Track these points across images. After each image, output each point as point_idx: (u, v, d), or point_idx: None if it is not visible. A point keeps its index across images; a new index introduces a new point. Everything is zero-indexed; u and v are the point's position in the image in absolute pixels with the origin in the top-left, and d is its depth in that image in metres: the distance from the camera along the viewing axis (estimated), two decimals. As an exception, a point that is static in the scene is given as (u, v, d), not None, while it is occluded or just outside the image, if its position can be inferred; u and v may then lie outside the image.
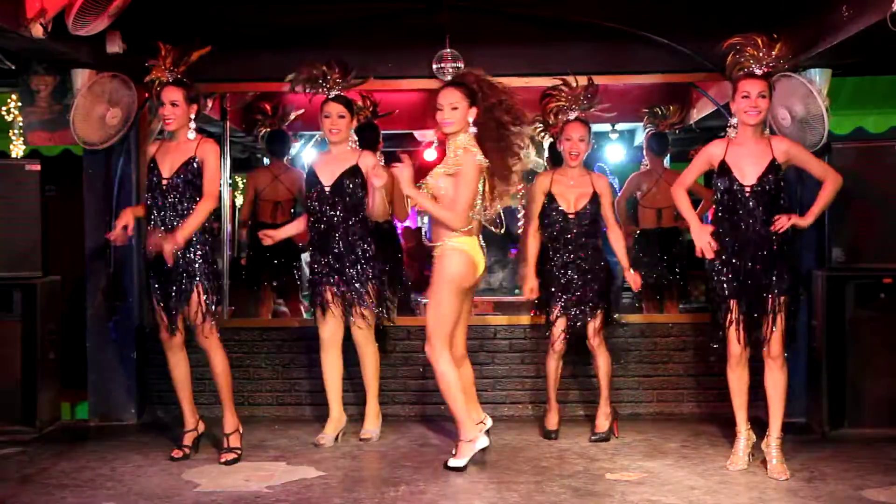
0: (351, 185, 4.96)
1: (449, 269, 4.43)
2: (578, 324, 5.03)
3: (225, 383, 4.72)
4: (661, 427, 5.38)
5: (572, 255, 5.05)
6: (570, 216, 5.04)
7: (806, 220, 4.44)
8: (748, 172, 4.38)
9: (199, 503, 4.09)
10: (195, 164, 4.61)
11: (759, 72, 4.39)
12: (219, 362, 4.69)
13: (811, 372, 5.40)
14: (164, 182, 4.61)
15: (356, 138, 5.17)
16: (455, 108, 4.39)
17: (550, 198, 5.08)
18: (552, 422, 5.22)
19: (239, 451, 4.72)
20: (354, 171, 4.98)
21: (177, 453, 4.73)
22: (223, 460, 4.65)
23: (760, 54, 4.40)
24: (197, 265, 4.60)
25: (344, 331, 5.06)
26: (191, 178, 4.61)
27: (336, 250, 4.97)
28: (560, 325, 5.04)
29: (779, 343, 4.39)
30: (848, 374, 5.19)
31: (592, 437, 5.10)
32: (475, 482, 4.34)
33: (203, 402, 5.19)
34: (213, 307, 4.64)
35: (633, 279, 5.12)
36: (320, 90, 5.05)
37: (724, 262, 4.44)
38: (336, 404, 5.10)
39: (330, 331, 5.02)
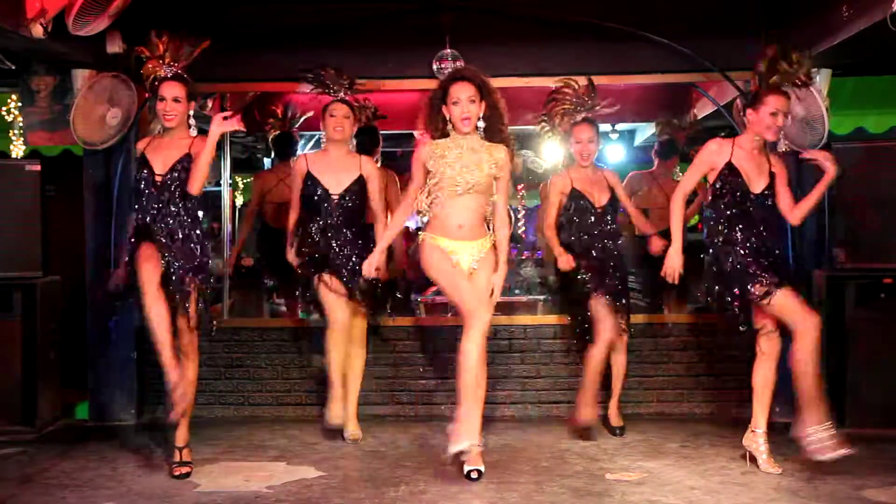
0: (356, 194, 5.01)
1: (495, 262, 4.48)
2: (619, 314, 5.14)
3: (193, 393, 4.59)
4: (661, 427, 5.38)
5: (606, 248, 5.14)
6: (598, 210, 5.15)
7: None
8: (756, 181, 4.41)
9: (199, 503, 4.10)
10: (188, 162, 4.44)
11: (787, 90, 4.42)
12: (193, 371, 4.55)
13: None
14: (158, 179, 4.44)
15: (355, 142, 5.21)
16: (473, 102, 4.36)
17: (577, 195, 5.16)
18: (593, 414, 5.16)
19: (192, 466, 4.54)
20: (359, 180, 5.03)
21: (179, 471, 4.51)
22: (177, 473, 4.46)
23: (793, 74, 4.42)
24: (192, 267, 4.45)
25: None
26: (185, 176, 4.44)
27: (336, 255, 4.98)
28: (610, 313, 5.07)
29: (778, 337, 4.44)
30: (848, 374, 5.19)
31: (618, 432, 5.21)
32: (475, 482, 4.33)
33: (202, 402, 5.19)
34: (205, 310, 4.54)
35: (656, 243, 5.18)
36: (328, 92, 5.10)
37: (744, 249, 4.39)
38: (340, 383, 5.03)
39: (344, 314, 4.96)
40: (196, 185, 4.41)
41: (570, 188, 5.18)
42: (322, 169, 5.03)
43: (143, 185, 4.47)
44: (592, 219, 5.16)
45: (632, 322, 5.68)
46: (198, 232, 4.52)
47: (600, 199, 5.18)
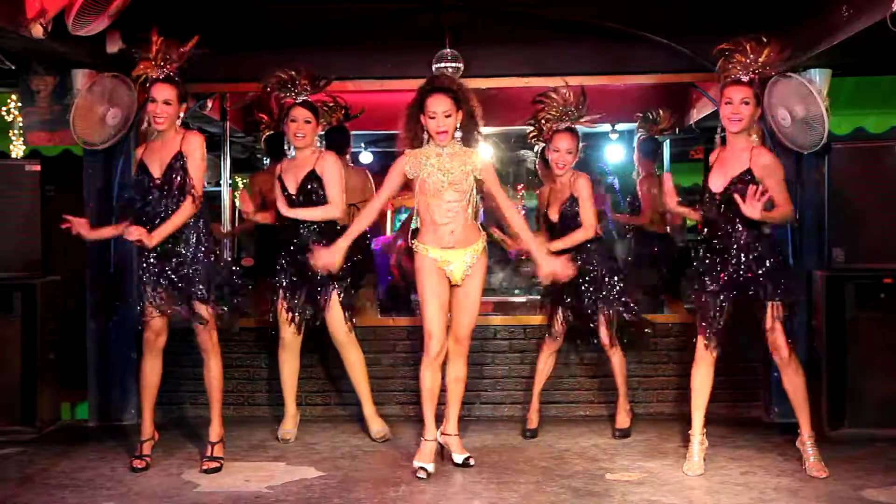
0: (313, 190, 4.98)
1: (486, 266, 4.58)
2: (580, 324, 5.08)
3: (219, 389, 4.66)
4: (661, 427, 5.38)
5: (581, 260, 5.04)
6: (554, 223, 5.10)
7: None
8: (718, 181, 4.40)
9: (199, 503, 4.10)
10: (182, 161, 4.46)
11: (744, 78, 4.37)
12: (217, 366, 4.62)
13: (811, 372, 5.37)
14: (156, 182, 4.46)
15: (320, 143, 5.20)
16: (449, 116, 4.38)
17: (547, 205, 5.20)
18: (532, 420, 5.28)
19: (222, 462, 4.61)
20: (313, 175, 4.98)
21: (139, 463, 4.58)
22: (206, 468, 4.54)
23: (748, 60, 4.37)
24: (204, 265, 4.48)
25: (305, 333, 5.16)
26: (179, 176, 4.45)
27: (303, 254, 4.98)
28: (557, 325, 5.12)
29: (786, 346, 4.38)
30: (848, 374, 5.18)
31: (617, 434, 5.17)
32: (475, 482, 4.34)
33: (202, 402, 5.18)
34: (224, 308, 4.59)
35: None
36: (289, 94, 5.06)
37: (705, 269, 4.44)
38: (292, 401, 5.23)
39: (291, 332, 5.10)
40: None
41: (547, 197, 5.20)
42: (286, 169, 5.05)
43: (142, 191, 4.50)
44: (550, 233, 5.11)
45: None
46: (203, 231, 4.53)
47: (559, 210, 5.07)
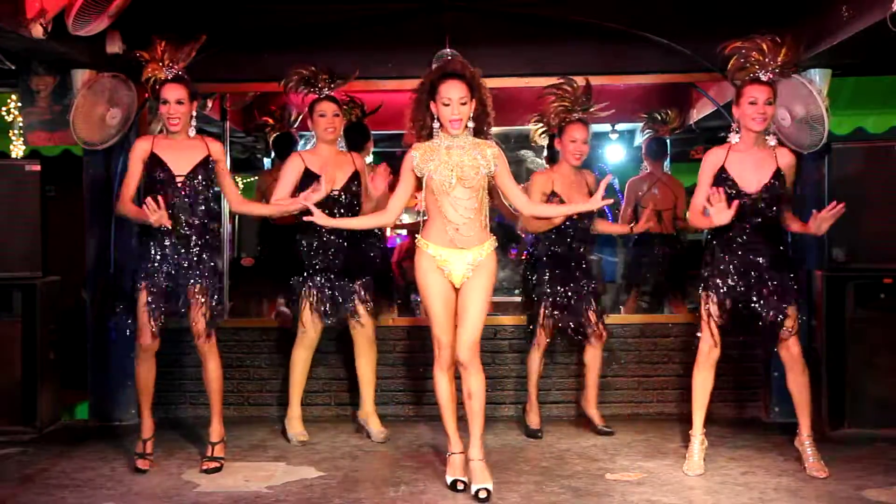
0: (356, 190, 5.01)
1: (494, 271, 4.24)
2: (571, 322, 5.07)
3: (219, 390, 4.67)
4: (661, 427, 5.38)
5: (571, 253, 5.08)
6: (575, 217, 5.01)
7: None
8: (751, 180, 4.36)
9: (198, 503, 4.10)
10: (211, 166, 4.55)
11: (764, 78, 4.35)
12: (216, 368, 4.63)
13: (811, 372, 5.38)
14: (179, 180, 4.48)
15: (343, 139, 5.21)
16: (464, 103, 4.10)
17: (555, 197, 5.06)
18: (535, 420, 5.26)
19: (223, 462, 4.62)
20: (356, 176, 5.03)
21: (143, 464, 4.57)
22: (206, 468, 4.54)
23: (766, 59, 4.36)
24: (200, 267, 4.51)
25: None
26: (209, 179, 4.54)
27: (336, 251, 5.00)
28: (549, 323, 5.08)
29: (797, 345, 4.39)
30: (848, 374, 5.18)
31: (604, 430, 5.18)
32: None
33: (202, 402, 5.19)
34: (217, 311, 4.60)
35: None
36: (313, 90, 5.05)
37: (721, 270, 4.41)
38: (298, 401, 5.20)
39: (317, 330, 5.09)
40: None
41: (550, 189, 5.07)
42: (319, 166, 4.98)
43: (159, 186, 4.48)
44: (567, 222, 5.05)
45: (632, 322, 5.72)
46: (213, 233, 4.61)
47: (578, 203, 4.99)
